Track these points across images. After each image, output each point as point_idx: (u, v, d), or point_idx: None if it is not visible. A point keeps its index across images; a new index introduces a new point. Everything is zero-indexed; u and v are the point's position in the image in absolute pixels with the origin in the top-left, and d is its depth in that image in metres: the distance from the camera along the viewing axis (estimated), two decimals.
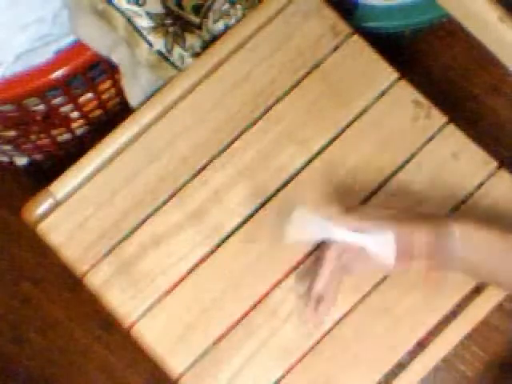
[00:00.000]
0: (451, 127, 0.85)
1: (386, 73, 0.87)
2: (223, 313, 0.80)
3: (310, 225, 0.71)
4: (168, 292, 0.80)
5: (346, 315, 0.80)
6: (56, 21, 0.90)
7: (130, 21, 0.84)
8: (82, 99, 1.01)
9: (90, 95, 1.01)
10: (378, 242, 0.68)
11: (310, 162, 0.84)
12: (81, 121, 1.08)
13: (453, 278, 0.79)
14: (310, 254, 0.81)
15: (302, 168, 0.84)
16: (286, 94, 0.86)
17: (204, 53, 0.88)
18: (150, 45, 0.86)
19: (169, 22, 0.87)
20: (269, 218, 0.82)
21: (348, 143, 0.85)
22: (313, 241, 0.75)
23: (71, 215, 0.82)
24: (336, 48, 0.88)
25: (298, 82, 0.87)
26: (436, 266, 0.71)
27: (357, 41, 0.88)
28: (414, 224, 0.69)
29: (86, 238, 0.82)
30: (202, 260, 0.81)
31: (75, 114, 1.05)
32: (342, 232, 0.69)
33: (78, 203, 0.83)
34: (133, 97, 0.92)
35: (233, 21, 0.92)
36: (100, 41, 0.87)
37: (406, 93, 0.86)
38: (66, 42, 0.90)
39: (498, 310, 0.79)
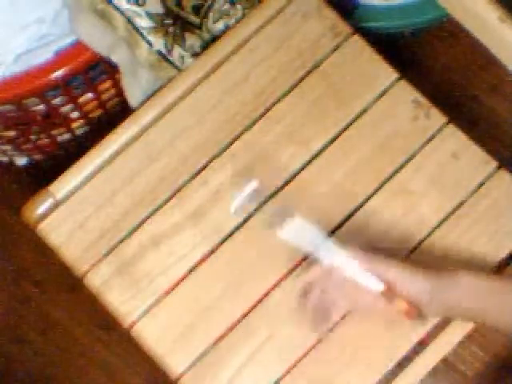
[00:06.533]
0: (451, 127, 0.85)
1: (386, 73, 0.87)
2: (223, 313, 0.80)
3: (306, 231, 0.72)
4: (168, 292, 0.80)
5: (345, 315, 0.80)
6: (56, 21, 0.90)
7: (129, 21, 0.84)
8: (81, 99, 1.01)
9: (90, 95, 1.01)
10: (366, 276, 0.71)
11: (310, 161, 0.84)
12: (81, 121, 1.08)
13: None
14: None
15: (302, 168, 0.84)
16: (286, 94, 0.86)
17: (204, 53, 0.88)
18: (150, 45, 0.86)
19: (169, 22, 0.87)
20: (268, 218, 0.82)
21: (348, 143, 0.85)
22: (302, 248, 0.76)
23: (71, 215, 0.82)
24: (336, 48, 0.88)
25: (298, 82, 0.87)
26: (433, 314, 0.74)
27: (357, 41, 0.88)
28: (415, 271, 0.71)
29: (85, 238, 0.82)
30: (202, 260, 0.81)
31: (75, 114, 1.05)
32: (334, 252, 0.71)
33: (78, 203, 0.83)
34: (133, 97, 0.92)
35: (233, 21, 0.92)
36: (100, 41, 0.87)
37: (406, 93, 0.86)
38: (65, 42, 0.90)
39: None
